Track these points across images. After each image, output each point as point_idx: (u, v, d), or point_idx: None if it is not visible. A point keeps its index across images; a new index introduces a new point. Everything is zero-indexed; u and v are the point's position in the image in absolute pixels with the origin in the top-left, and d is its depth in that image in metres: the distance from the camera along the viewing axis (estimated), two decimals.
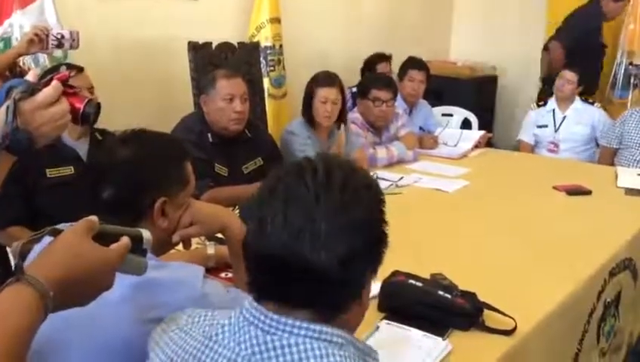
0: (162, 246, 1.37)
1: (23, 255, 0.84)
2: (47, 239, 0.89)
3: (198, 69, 3.39)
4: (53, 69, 2.23)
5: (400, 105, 3.80)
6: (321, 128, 3.17)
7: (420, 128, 4.00)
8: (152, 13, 3.49)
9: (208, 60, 3.45)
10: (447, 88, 5.04)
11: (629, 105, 4.73)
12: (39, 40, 2.37)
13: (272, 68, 4.07)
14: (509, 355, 1.52)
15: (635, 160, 3.71)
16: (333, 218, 0.85)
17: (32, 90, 0.98)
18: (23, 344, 0.78)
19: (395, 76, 4.03)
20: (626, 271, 2.31)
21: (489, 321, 1.59)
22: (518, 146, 4.37)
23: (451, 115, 4.61)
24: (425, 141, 3.74)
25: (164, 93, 3.57)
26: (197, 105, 3.03)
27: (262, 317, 0.87)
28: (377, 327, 1.54)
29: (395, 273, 1.69)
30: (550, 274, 1.95)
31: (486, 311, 1.60)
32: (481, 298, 1.63)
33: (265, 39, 4.01)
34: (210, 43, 3.51)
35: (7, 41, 2.84)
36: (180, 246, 1.45)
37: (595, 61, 4.84)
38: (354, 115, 3.49)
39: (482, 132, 3.99)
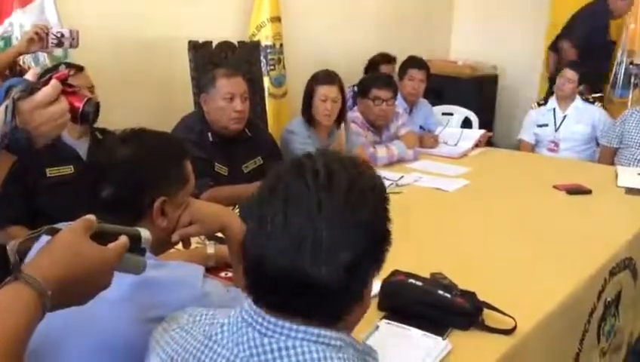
0: (162, 246, 1.37)
1: (20, 254, 0.83)
2: (45, 238, 0.89)
3: (198, 68, 3.39)
4: (53, 68, 2.23)
5: (400, 105, 3.80)
6: (321, 127, 3.16)
7: (421, 127, 4.00)
8: (152, 12, 3.48)
9: (208, 59, 3.45)
10: (448, 87, 5.04)
11: (629, 104, 4.73)
12: (39, 39, 2.37)
13: (272, 67, 4.07)
14: (509, 355, 1.52)
15: (635, 159, 3.71)
16: (335, 224, 0.82)
17: (31, 89, 0.98)
18: (21, 343, 0.78)
19: (395, 75, 4.03)
20: (626, 270, 2.30)
21: (489, 321, 1.59)
22: (518, 146, 4.36)
23: (452, 114, 4.61)
24: (425, 140, 3.74)
25: (165, 93, 3.57)
26: (197, 105, 3.03)
27: (260, 320, 0.86)
28: (377, 327, 1.54)
29: (395, 272, 1.69)
30: (550, 274, 1.95)
31: (486, 311, 1.60)
32: (481, 297, 1.63)
33: (265, 38, 4.01)
34: (211, 42, 3.50)
35: (7, 40, 2.84)
36: (180, 246, 1.45)
37: (605, 59, 4.83)
38: (354, 114, 3.49)
39: (482, 131, 3.98)
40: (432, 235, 2.30)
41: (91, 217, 0.91)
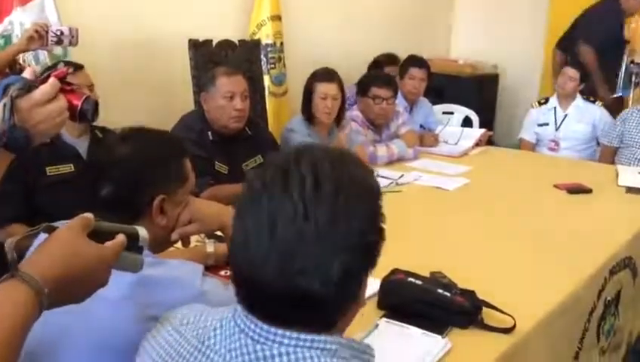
0: (161, 244, 1.37)
1: (18, 251, 0.83)
2: (43, 236, 0.89)
3: (198, 66, 3.39)
4: (52, 67, 2.23)
5: (400, 103, 3.80)
6: (321, 125, 3.16)
7: (421, 126, 3.99)
8: (152, 10, 3.48)
9: (209, 58, 3.45)
10: (448, 86, 5.03)
11: (630, 103, 4.72)
12: (39, 37, 2.37)
13: (272, 65, 4.06)
14: (509, 353, 1.52)
15: (635, 158, 3.70)
16: (325, 236, 0.79)
17: (29, 87, 0.98)
18: (17, 340, 0.78)
19: (396, 74, 4.02)
20: (626, 269, 2.30)
21: (488, 319, 1.58)
22: (519, 145, 4.36)
23: (452, 113, 4.60)
24: (425, 139, 3.73)
25: (165, 91, 3.56)
26: (197, 103, 3.02)
27: (252, 326, 0.84)
28: (377, 325, 1.54)
29: (395, 271, 1.69)
30: (550, 273, 1.95)
31: (485, 309, 1.60)
32: (481, 296, 1.63)
33: (266, 37, 4.01)
34: (211, 41, 3.50)
35: (7, 39, 2.84)
36: (179, 244, 1.45)
37: (619, 59, 4.81)
38: (354, 113, 3.48)
39: (483, 130, 3.98)
40: (432, 234, 2.30)
41: (89, 215, 0.91)
